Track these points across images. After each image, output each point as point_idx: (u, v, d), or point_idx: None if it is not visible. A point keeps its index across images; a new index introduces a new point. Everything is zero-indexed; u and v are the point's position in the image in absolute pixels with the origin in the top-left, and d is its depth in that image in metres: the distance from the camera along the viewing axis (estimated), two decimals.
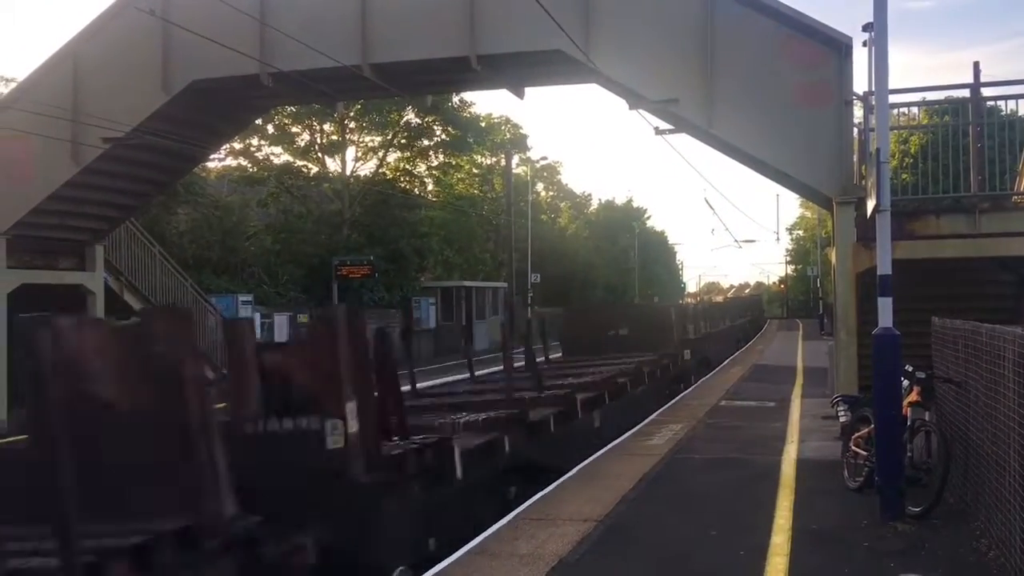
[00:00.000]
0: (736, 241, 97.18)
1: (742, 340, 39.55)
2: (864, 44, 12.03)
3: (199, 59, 15.15)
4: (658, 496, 9.08)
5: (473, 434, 9.09)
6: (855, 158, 12.98)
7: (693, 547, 7.12)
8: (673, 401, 17.57)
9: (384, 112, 37.53)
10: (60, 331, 4.72)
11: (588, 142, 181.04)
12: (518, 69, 15.33)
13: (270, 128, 36.40)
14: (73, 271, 18.59)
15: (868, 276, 11.44)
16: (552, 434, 10.77)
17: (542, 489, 9.42)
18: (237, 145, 35.32)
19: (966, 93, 13.24)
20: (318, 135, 38.55)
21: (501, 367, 13.19)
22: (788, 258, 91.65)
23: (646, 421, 14.65)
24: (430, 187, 47.58)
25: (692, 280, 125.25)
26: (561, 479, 9.99)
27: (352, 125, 38.55)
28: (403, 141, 40.57)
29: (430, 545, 7.14)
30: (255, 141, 36.89)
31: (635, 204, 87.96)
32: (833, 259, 14.16)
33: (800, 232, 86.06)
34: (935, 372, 8.68)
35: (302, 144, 38.32)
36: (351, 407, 5.83)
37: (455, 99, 38.89)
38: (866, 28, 15.88)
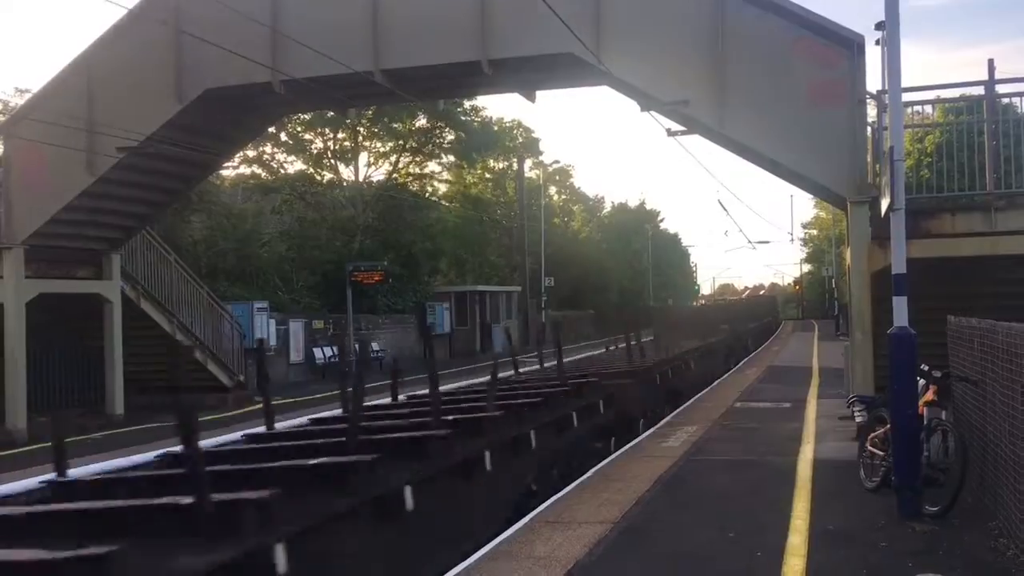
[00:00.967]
0: (750, 242, 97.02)
1: (743, 352, 33.80)
2: (877, 43, 12.02)
3: (212, 67, 15.25)
4: (674, 498, 9.05)
5: None
6: (869, 157, 12.93)
7: (709, 549, 7.10)
8: (688, 403, 17.53)
9: (395, 118, 37.66)
10: None
11: (600, 145, 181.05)
12: (529, 73, 15.35)
13: (283, 136, 36.58)
14: (90, 280, 18.73)
15: (883, 275, 11.38)
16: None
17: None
18: (251, 153, 35.54)
19: (981, 90, 13.17)
20: (331, 142, 38.71)
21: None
22: (803, 257, 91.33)
23: (661, 423, 14.62)
24: (442, 190, 47.68)
25: (706, 282, 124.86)
26: (577, 481, 9.99)
27: (364, 132, 38.69)
28: (414, 145, 40.67)
29: None
30: (268, 149, 37.11)
31: (648, 206, 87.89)
32: (848, 259, 14.11)
33: (815, 232, 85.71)
34: (952, 371, 8.63)
35: (315, 151, 38.50)
36: None
37: (466, 104, 38.99)
38: (879, 27, 15.92)
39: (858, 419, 11.30)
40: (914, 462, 7.70)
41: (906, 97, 11.26)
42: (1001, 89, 13.36)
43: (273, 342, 26.67)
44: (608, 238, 74.25)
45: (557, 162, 72.72)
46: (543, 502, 8.83)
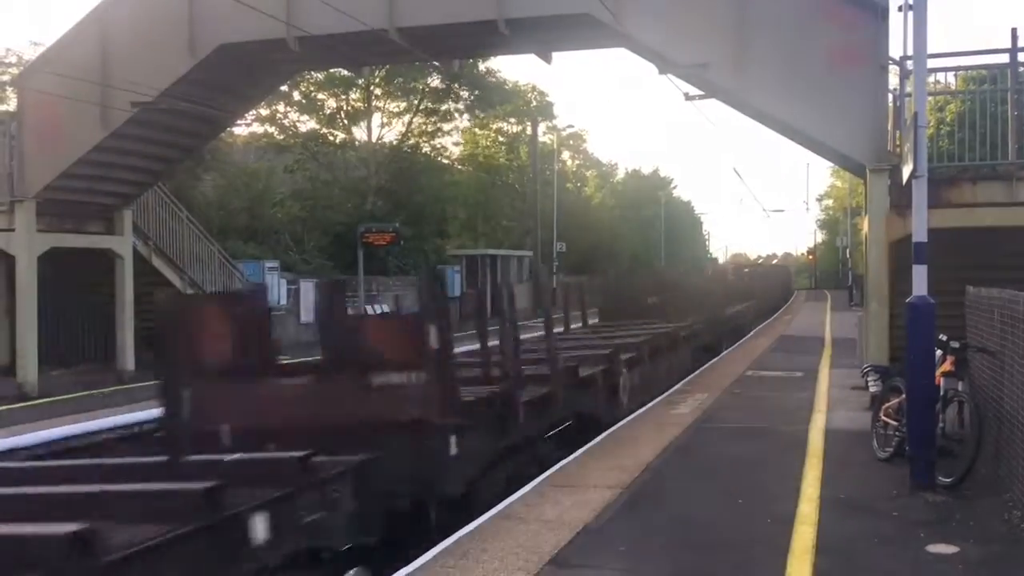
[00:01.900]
0: (764, 211, 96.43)
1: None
2: (899, 9, 11.77)
3: (226, 22, 15.08)
4: (684, 464, 9.02)
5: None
6: (889, 125, 12.74)
7: (719, 515, 7.07)
8: (699, 370, 17.48)
9: (409, 78, 37.38)
10: None
11: (614, 111, 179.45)
12: (546, 33, 15.13)
13: (296, 95, 36.37)
14: (102, 235, 18.72)
15: (901, 245, 11.26)
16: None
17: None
18: (264, 111, 35.37)
19: (1004, 58, 12.91)
20: (344, 102, 38.48)
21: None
22: (818, 226, 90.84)
23: (672, 390, 14.58)
24: (455, 153, 47.48)
25: (719, 250, 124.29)
26: (587, 446, 9.97)
27: (378, 92, 38.44)
28: (429, 105, 40.40)
29: None
30: (281, 108, 36.92)
31: (662, 174, 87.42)
32: (865, 228, 13.96)
33: (830, 202, 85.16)
34: (969, 342, 8.53)
35: (328, 111, 38.29)
36: None
37: (481, 67, 38.65)
38: None
39: (872, 389, 11.25)
40: (929, 432, 7.63)
41: (929, 64, 11.05)
42: (1023, 57, 13.11)
43: (284, 302, 26.69)
44: (621, 204, 73.96)
45: (571, 126, 72.32)
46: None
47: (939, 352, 8.10)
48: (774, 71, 13.18)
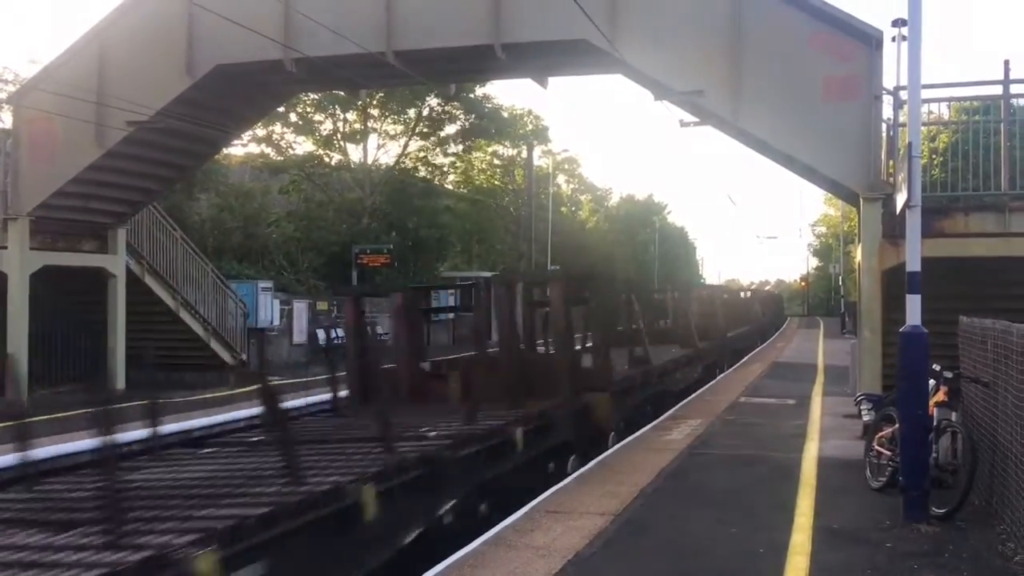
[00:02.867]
0: (757, 237, 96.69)
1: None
2: (893, 39, 11.87)
3: (224, 43, 15.14)
4: (676, 492, 8.98)
5: None
6: (883, 154, 12.80)
7: (711, 544, 7.02)
8: (691, 397, 17.45)
9: (406, 100, 37.48)
10: None
11: (609, 137, 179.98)
12: (543, 58, 15.21)
13: (293, 116, 36.42)
14: (95, 254, 18.66)
15: (894, 273, 11.27)
16: None
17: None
18: (260, 132, 35.38)
19: (997, 89, 13.01)
20: (340, 123, 38.54)
21: None
22: (811, 253, 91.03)
23: (664, 416, 14.54)
24: (451, 178, 47.52)
25: (712, 276, 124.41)
26: (578, 472, 9.92)
27: (375, 113, 38.51)
28: (424, 129, 40.49)
29: None
30: (278, 129, 36.94)
31: (656, 199, 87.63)
32: (857, 256, 13.97)
33: (823, 229, 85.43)
34: (963, 372, 8.53)
35: (325, 132, 38.34)
36: None
37: (478, 91, 38.77)
38: (896, 23, 15.77)
39: (865, 418, 11.20)
40: (922, 463, 7.60)
41: (922, 95, 11.12)
42: (1015, 89, 13.20)
43: (276, 322, 26.62)
44: (615, 229, 74.08)
45: (566, 151, 72.47)
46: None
47: (932, 382, 8.09)
48: (768, 99, 13.25)
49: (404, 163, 40.66)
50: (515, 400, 10.58)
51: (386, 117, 39.20)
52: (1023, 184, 12.32)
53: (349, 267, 30.67)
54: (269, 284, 26.48)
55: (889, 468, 8.49)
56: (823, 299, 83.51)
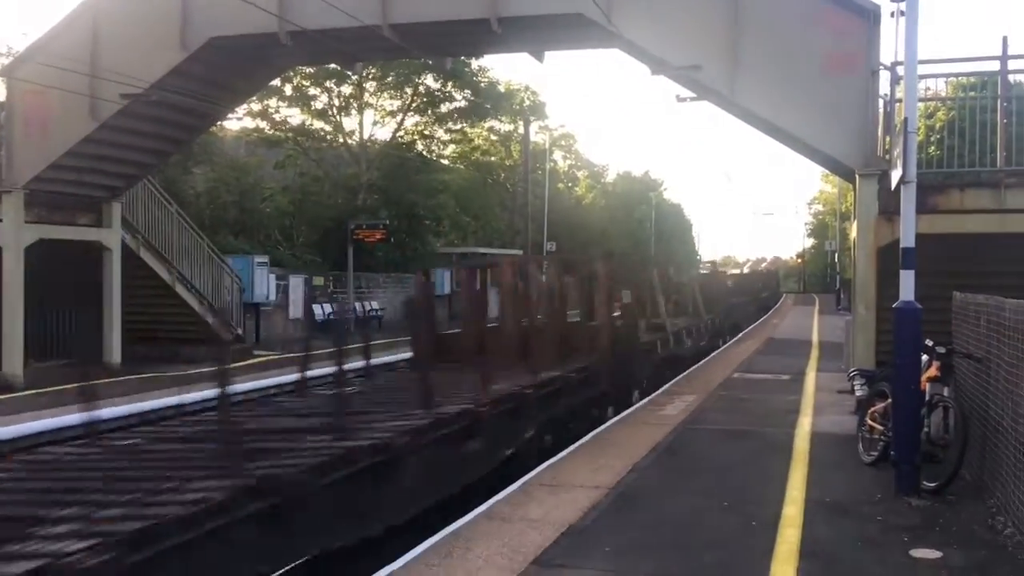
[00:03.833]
0: (754, 214, 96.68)
1: None
2: (892, 15, 11.80)
3: (218, 16, 15.05)
4: (670, 465, 9.04)
5: None
6: (879, 130, 12.78)
7: (704, 517, 7.08)
8: (686, 372, 17.51)
9: (402, 74, 37.26)
10: None
11: (606, 114, 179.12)
12: (539, 32, 15.12)
13: (288, 89, 36.17)
14: (90, 227, 18.61)
15: (889, 250, 11.30)
16: None
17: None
18: (255, 106, 35.16)
19: (995, 66, 12.98)
20: (336, 97, 38.29)
21: None
22: (808, 231, 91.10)
23: (659, 391, 14.61)
24: (448, 151, 47.34)
25: (708, 253, 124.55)
26: (573, 446, 9.98)
27: (371, 88, 38.27)
28: (421, 104, 40.26)
29: None
30: (273, 102, 36.70)
31: (652, 176, 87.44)
32: (853, 233, 14.00)
33: (820, 206, 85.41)
34: (955, 347, 8.57)
35: (319, 106, 38.10)
36: None
37: (473, 65, 38.50)
38: None
39: (858, 393, 11.28)
40: (914, 437, 7.65)
41: (920, 71, 11.09)
42: (1012, 65, 13.18)
43: (272, 297, 26.62)
44: (611, 206, 73.97)
45: (563, 126, 72.24)
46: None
47: (925, 357, 8.12)
48: (766, 74, 13.21)
49: (401, 137, 40.46)
50: (564, 358, 12.56)
51: (382, 92, 38.94)
52: (1019, 161, 12.34)
53: (345, 242, 30.60)
54: (264, 259, 26.46)
55: (881, 443, 8.55)
56: (819, 276, 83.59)
